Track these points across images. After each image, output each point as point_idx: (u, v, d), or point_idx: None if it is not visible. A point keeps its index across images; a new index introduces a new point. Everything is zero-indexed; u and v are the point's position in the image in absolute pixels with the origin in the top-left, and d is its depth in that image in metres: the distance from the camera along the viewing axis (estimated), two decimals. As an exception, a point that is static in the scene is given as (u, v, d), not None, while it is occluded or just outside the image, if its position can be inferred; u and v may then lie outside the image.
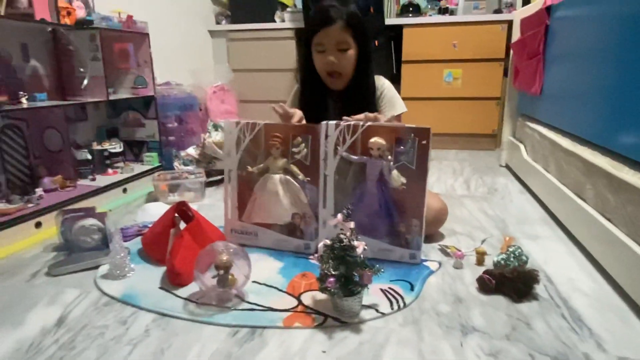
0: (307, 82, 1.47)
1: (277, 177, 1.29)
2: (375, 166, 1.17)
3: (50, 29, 1.74)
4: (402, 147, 1.14)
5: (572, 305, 0.99)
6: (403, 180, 1.16)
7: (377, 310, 0.97)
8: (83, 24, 1.71)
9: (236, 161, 1.32)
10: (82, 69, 1.77)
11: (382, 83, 1.48)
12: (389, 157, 1.16)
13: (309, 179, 1.26)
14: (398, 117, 1.46)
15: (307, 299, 1.02)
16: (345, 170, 1.21)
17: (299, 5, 2.98)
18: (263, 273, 1.15)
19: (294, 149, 1.26)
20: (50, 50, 1.79)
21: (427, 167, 1.15)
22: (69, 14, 1.69)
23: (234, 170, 1.33)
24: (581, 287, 1.07)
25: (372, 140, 1.16)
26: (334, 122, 1.20)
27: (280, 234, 1.30)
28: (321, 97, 1.45)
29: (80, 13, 1.75)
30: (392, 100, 1.45)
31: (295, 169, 1.27)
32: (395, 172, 1.17)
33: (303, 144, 1.25)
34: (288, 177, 1.28)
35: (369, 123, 1.17)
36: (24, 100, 1.53)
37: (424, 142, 1.13)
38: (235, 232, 1.35)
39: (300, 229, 1.29)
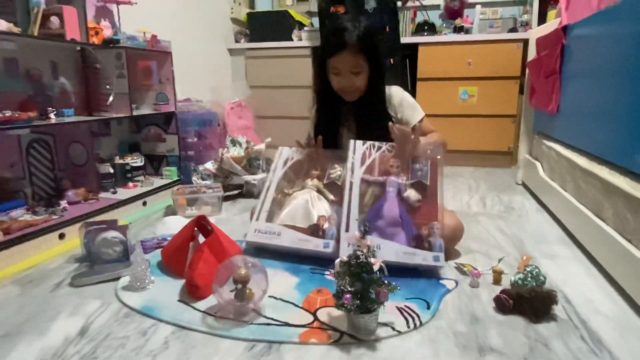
0: (322, 95, 1.52)
1: (311, 189, 1.44)
2: (393, 183, 1.30)
3: (79, 48, 1.82)
4: (417, 165, 1.30)
5: (592, 327, 0.98)
6: (419, 197, 1.26)
7: (393, 328, 0.97)
8: (110, 43, 1.79)
9: (279, 175, 1.50)
10: (108, 86, 1.84)
11: (398, 91, 1.54)
12: (405, 178, 1.31)
13: (336, 199, 1.39)
14: (421, 121, 1.54)
15: (323, 315, 1.03)
16: (364, 191, 1.33)
17: (316, 24, 3.05)
18: (279, 288, 1.16)
19: (331, 170, 1.46)
20: (78, 68, 1.87)
21: (441, 180, 1.26)
22: (96, 33, 1.77)
23: (274, 183, 1.48)
24: (601, 309, 1.06)
25: (390, 164, 1.34)
26: (361, 142, 1.39)
27: (302, 233, 1.34)
28: (336, 106, 1.51)
29: (108, 33, 1.83)
30: (413, 106, 1.54)
31: (325, 190, 1.44)
32: (411, 191, 1.27)
33: (339, 168, 1.45)
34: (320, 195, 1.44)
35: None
36: (52, 115, 1.60)
37: (438, 157, 1.27)
38: (259, 232, 1.37)
39: (323, 229, 1.33)
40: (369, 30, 1.37)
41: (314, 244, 1.30)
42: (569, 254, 1.41)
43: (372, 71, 1.40)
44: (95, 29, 1.76)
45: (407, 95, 1.56)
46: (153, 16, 2.28)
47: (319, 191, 1.44)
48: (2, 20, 1.38)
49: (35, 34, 1.50)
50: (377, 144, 1.40)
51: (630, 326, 0.99)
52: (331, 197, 1.42)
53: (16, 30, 1.42)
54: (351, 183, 1.35)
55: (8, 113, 1.40)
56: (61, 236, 1.50)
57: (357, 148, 1.40)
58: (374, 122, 1.46)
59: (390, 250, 1.21)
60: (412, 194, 1.30)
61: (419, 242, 1.23)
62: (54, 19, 1.55)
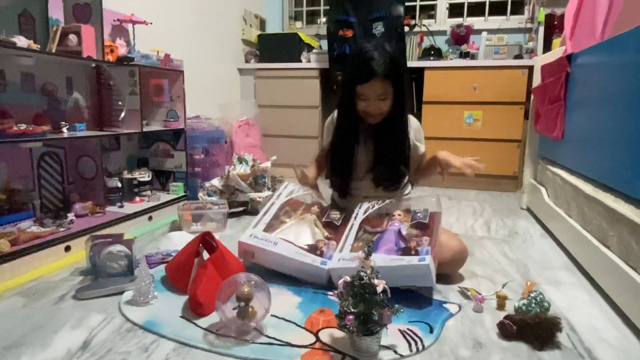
0: (346, 117, 1.55)
1: (312, 216, 1.51)
2: (395, 224, 1.39)
3: (94, 64, 1.87)
4: (418, 214, 1.41)
5: (597, 356, 0.97)
6: (417, 232, 1.34)
7: (395, 352, 0.97)
8: (124, 61, 1.84)
9: (282, 201, 1.54)
10: (120, 102, 1.88)
11: (414, 120, 1.60)
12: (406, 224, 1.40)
13: (332, 236, 1.43)
14: (425, 155, 1.61)
15: (325, 335, 1.03)
16: (361, 236, 1.41)
17: (325, 47, 3.11)
18: (281, 307, 1.16)
19: (332, 212, 1.55)
20: (92, 84, 1.92)
21: (439, 227, 1.34)
22: (112, 51, 1.82)
23: (276, 205, 1.52)
24: (606, 338, 1.05)
25: (397, 213, 1.45)
26: (366, 205, 1.50)
27: (300, 248, 1.34)
28: (356, 127, 1.54)
29: (122, 50, 1.88)
30: (422, 137, 1.61)
31: (320, 226, 1.49)
32: (410, 229, 1.36)
33: (339, 212, 1.55)
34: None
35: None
36: (64, 129, 1.63)
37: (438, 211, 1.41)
38: (255, 237, 1.36)
39: (321, 250, 1.34)
40: (395, 58, 1.42)
41: (312, 259, 1.30)
42: (574, 281, 1.40)
43: (397, 97, 1.44)
44: (111, 47, 1.81)
45: (419, 126, 1.62)
46: (167, 36, 2.35)
47: (315, 226, 1.50)
48: (22, 37, 1.43)
49: (54, 51, 1.55)
50: (379, 202, 1.49)
51: (636, 356, 0.97)
52: (326, 234, 1.46)
53: (35, 47, 1.47)
54: (352, 225, 1.43)
55: (23, 126, 1.43)
56: (67, 249, 1.51)
57: (363, 207, 1.50)
58: (394, 144, 1.51)
59: (377, 259, 1.19)
60: (410, 230, 1.36)
61: (405, 252, 1.23)
62: (72, 37, 1.60)
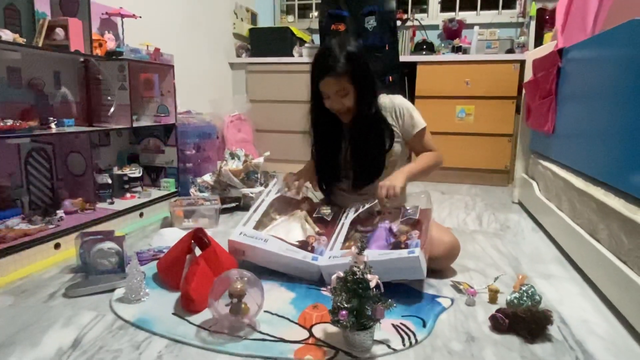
0: (318, 117, 1.55)
1: (302, 213, 1.51)
2: (386, 222, 1.39)
3: (82, 59, 1.84)
4: (408, 211, 1.40)
5: (587, 349, 0.98)
6: (407, 228, 1.33)
7: (388, 346, 0.97)
8: (113, 55, 1.81)
9: (272, 197, 1.53)
10: (109, 97, 1.85)
11: (401, 101, 1.55)
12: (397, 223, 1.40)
13: (322, 232, 1.44)
14: (421, 133, 1.54)
15: (318, 331, 1.03)
16: (352, 235, 1.41)
17: (317, 41, 3.10)
18: (275, 303, 1.16)
19: (323, 207, 1.56)
20: (80, 79, 1.88)
21: (429, 222, 1.32)
22: (100, 45, 1.79)
23: (267, 201, 1.50)
24: (596, 330, 1.06)
25: (388, 212, 1.45)
26: (356, 205, 1.50)
27: (291, 244, 1.33)
28: (334, 125, 1.53)
29: (111, 45, 1.85)
30: (413, 116, 1.54)
31: (311, 221, 1.49)
32: (401, 226, 1.35)
33: (329, 208, 1.55)
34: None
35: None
36: (53, 125, 1.60)
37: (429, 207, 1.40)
38: (245, 235, 1.34)
39: (312, 246, 1.34)
40: (352, 52, 1.38)
41: (303, 255, 1.29)
42: (565, 274, 1.42)
43: (359, 91, 1.42)
44: (99, 41, 1.78)
45: (409, 106, 1.56)
46: (157, 30, 2.31)
47: (306, 221, 1.50)
48: (8, 31, 1.39)
49: (40, 44, 1.52)
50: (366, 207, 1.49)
51: (626, 348, 0.99)
52: (317, 229, 1.46)
53: (21, 40, 1.44)
54: (343, 224, 1.43)
55: (9, 122, 1.40)
56: (57, 246, 1.49)
57: (354, 207, 1.51)
58: (366, 141, 1.49)
59: (367, 254, 1.19)
60: (401, 227, 1.36)
61: (396, 247, 1.23)
62: (59, 31, 1.57)
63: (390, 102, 1.54)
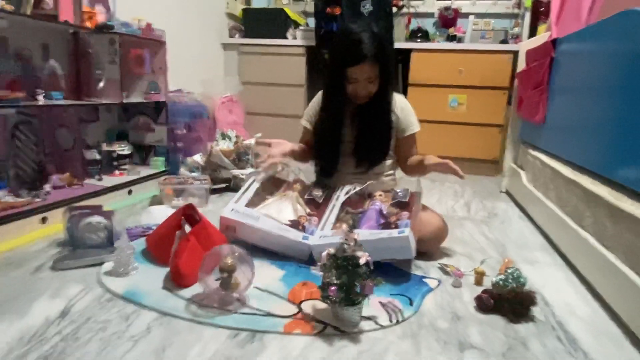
0: (332, 99, 1.54)
1: (294, 194, 1.51)
2: (376, 204, 1.40)
3: (72, 31, 1.79)
4: (399, 194, 1.44)
5: (568, 329, 1.01)
6: (397, 210, 1.36)
7: (376, 322, 0.98)
8: (103, 28, 1.77)
9: (262, 177, 1.53)
10: (99, 72, 1.81)
11: (402, 99, 1.59)
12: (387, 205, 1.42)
13: (313, 213, 1.45)
14: (414, 135, 1.59)
15: (307, 307, 1.04)
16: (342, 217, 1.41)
17: (312, 24, 3.06)
18: (265, 280, 1.16)
19: (314, 189, 1.56)
20: (70, 52, 1.84)
21: (418, 206, 1.34)
22: (90, 17, 1.74)
23: (257, 181, 1.51)
24: (577, 312, 1.09)
25: (378, 194, 1.47)
26: (347, 187, 1.51)
27: (282, 224, 1.34)
28: (342, 107, 1.53)
29: (102, 18, 1.81)
30: (412, 117, 1.60)
31: (302, 202, 1.49)
32: (391, 208, 1.38)
33: (321, 190, 1.55)
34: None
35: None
36: (40, 97, 1.57)
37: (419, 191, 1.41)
38: (236, 212, 1.33)
39: (303, 225, 1.35)
40: (383, 40, 1.42)
41: (294, 234, 1.30)
42: (549, 260, 1.45)
43: (384, 78, 1.44)
44: (90, 14, 1.74)
45: (409, 105, 1.61)
46: (148, 4, 2.26)
47: (297, 202, 1.50)
48: (-6, -3, 1.35)
49: (28, 12, 1.47)
50: (357, 190, 1.50)
51: (605, 329, 1.02)
52: (308, 210, 1.47)
53: (8, 8, 1.39)
54: (334, 205, 1.44)
55: (-5, 91, 1.37)
56: (43, 220, 1.47)
57: (345, 189, 1.52)
58: (377, 124, 1.52)
59: (358, 233, 1.21)
60: (391, 209, 1.38)
61: (386, 227, 1.25)
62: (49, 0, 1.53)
63: (393, 95, 1.56)
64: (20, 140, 1.67)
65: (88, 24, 1.72)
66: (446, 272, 1.28)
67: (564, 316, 1.06)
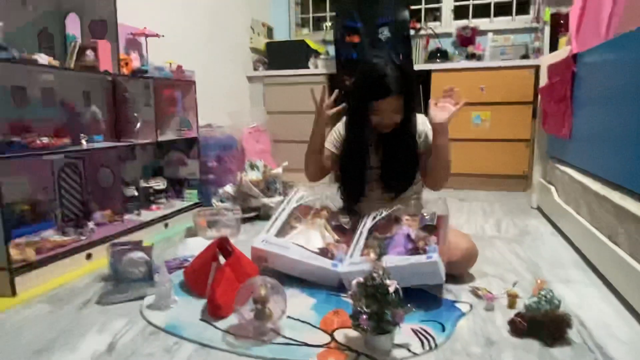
0: (356, 130, 1.56)
1: (322, 221, 1.55)
2: (404, 229, 1.40)
3: (110, 78, 1.93)
4: (426, 218, 1.42)
5: (608, 352, 0.98)
6: (425, 234, 1.34)
7: (409, 350, 0.99)
8: (139, 74, 1.90)
9: (292, 206, 1.58)
10: (135, 114, 1.94)
11: (423, 119, 1.59)
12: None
13: (342, 240, 1.48)
14: None
15: (339, 335, 1.06)
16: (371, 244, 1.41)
17: (332, 52, 3.16)
18: (296, 309, 1.19)
19: (342, 216, 1.58)
20: (108, 97, 1.98)
21: (446, 230, 1.34)
22: (126, 64, 1.88)
23: (287, 210, 1.56)
24: (617, 334, 1.06)
25: (405, 218, 1.46)
26: (374, 213, 1.51)
27: (311, 252, 1.37)
28: (365, 138, 1.56)
29: (136, 63, 1.95)
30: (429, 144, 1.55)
31: (330, 229, 1.53)
32: (419, 232, 1.37)
33: (348, 217, 1.58)
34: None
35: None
36: (84, 141, 1.69)
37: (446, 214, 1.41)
38: (267, 242, 1.39)
39: (332, 253, 1.38)
40: (406, 72, 1.45)
41: (323, 262, 1.33)
42: (584, 279, 1.41)
43: (408, 107, 1.47)
44: (125, 60, 1.88)
45: (428, 124, 1.59)
46: (178, 47, 2.41)
47: (325, 229, 1.54)
48: (43, 54, 1.49)
49: (72, 66, 1.61)
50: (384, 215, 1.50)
51: (647, 351, 0.99)
52: (336, 237, 1.50)
53: (55, 63, 1.53)
54: (361, 232, 1.45)
55: (45, 139, 1.49)
56: (88, 256, 1.57)
57: (371, 215, 1.52)
58: (403, 151, 1.54)
59: (386, 260, 1.22)
60: (419, 233, 1.37)
61: (414, 252, 1.26)
62: (89, 52, 1.67)
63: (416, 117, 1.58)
64: (66, 181, 1.80)
65: (124, 70, 1.86)
66: (478, 296, 1.27)
67: (602, 338, 1.04)
